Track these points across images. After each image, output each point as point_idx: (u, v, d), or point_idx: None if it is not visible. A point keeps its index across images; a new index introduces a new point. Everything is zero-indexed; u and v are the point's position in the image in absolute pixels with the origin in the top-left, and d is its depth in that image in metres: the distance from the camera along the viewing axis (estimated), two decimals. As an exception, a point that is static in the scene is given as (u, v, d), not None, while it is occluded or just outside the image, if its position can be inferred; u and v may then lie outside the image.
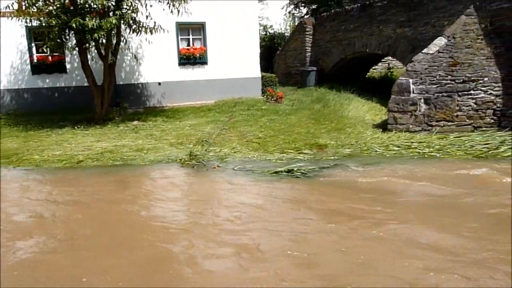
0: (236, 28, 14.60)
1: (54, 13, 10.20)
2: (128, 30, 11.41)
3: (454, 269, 3.85)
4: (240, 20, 14.61)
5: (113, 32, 11.03)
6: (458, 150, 8.57)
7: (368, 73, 17.72)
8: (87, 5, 10.37)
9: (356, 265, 3.99)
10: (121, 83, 13.63)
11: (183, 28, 14.25)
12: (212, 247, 4.48)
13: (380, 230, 4.79)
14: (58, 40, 10.72)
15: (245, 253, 4.31)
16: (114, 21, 10.14)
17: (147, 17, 10.99)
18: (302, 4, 21.15)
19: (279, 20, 22.58)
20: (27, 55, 12.82)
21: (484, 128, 9.73)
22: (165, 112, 12.79)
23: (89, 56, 11.57)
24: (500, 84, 9.71)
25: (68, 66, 13.22)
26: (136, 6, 10.84)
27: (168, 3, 11.16)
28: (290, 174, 7.30)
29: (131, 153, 8.71)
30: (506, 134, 9.08)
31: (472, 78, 9.81)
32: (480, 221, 5.07)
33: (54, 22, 10.12)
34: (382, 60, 17.26)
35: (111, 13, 10.61)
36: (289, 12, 22.12)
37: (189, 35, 14.48)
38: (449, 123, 9.96)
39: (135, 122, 11.59)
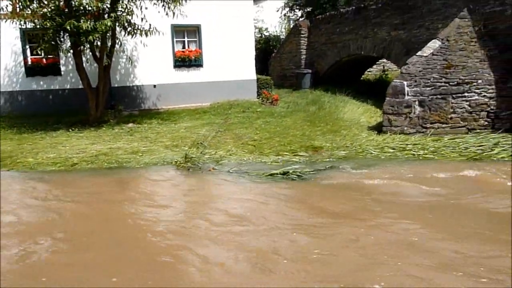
0: (231, 31, 14.62)
1: (49, 15, 10.14)
2: (123, 33, 11.38)
3: (456, 268, 3.89)
4: (235, 22, 14.63)
5: (108, 34, 11.00)
6: (452, 152, 8.62)
7: (363, 76, 17.78)
8: (81, 7, 10.31)
9: (358, 266, 4.02)
10: (116, 85, 13.59)
11: (178, 31, 14.25)
12: (210, 248, 4.48)
13: (378, 231, 4.82)
14: (53, 42, 10.68)
15: (242, 254, 4.32)
16: (109, 24, 10.12)
17: (142, 19, 10.99)
18: (297, 7, 21.17)
19: (274, 22, 22.59)
20: (21, 57, 12.74)
21: (478, 130, 9.80)
22: (160, 115, 12.77)
23: (84, 59, 11.52)
24: (493, 87, 9.79)
25: (62, 68, 13.17)
26: (131, 9, 10.83)
27: (163, 5, 11.15)
28: (286, 176, 7.31)
29: (126, 156, 8.67)
30: (500, 136, 9.15)
31: (466, 80, 9.88)
32: (482, 222, 5.11)
33: (48, 24, 10.07)
34: (377, 62, 17.33)
35: (106, 15, 10.59)
36: (284, 15, 22.14)
37: (184, 38, 14.48)
38: (444, 125, 10.02)
39: (130, 125, 11.56)
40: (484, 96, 9.83)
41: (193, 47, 14.58)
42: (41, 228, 5.18)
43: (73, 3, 10.28)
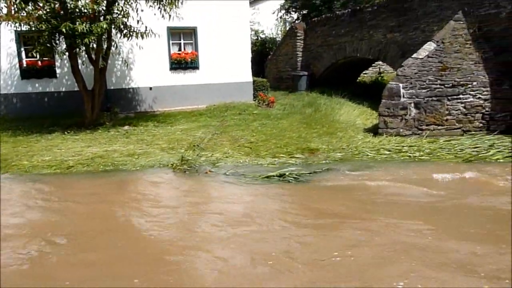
0: (227, 33, 14.63)
1: (44, 17, 10.12)
2: (119, 35, 11.37)
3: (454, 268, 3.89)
4: (231, 25, 14.65)
5: (103, 36, 10.98)
6: (448, 153, 8.65)
7: (359, 78, 17.83)
8: (77, 10, 10.31)
9: (357, 267, 4.02)
10: (112, 87, 13.56)
11: (175, 33, 14.24)
12: (206, 251, 4.48)
13: (376, 233, 4.82)
14: (48, 45, 10.66)
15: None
16: (104, 26, 10.10)
17: (138, 21, 10.97)
18: (293, 9, 21.22)
19: (270, 25, 22.64)
20: (17, 60, 12.70)
21: (473, 132, 9.84)
22: (156, 117, 12.75)
23: (79, 61, 11.50)
24: (488, 89, 9.83)
25: (58, 70, 13.12)
26: (127, 11, 10.83)
27: (159, 7, 11.15)
28: (282, 178, 7.31)
29: (122, 158, 8.65)
30: (495, 138, 9.19)
31: (461, 82, 9.93)
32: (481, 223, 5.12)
33: (44, 27, 10.05)
34: (373, 64, 17.38)
35: (101, 18, 10.57)
36: (280, 17, 22.19)
37: (180, 40, 14.48)
38: (439, 127, 10.06)
39: (126, 127, 11.53)
40: (479, 98, 9.88)
41: (189, 49, 14.58)
42: (42, 229, 5.20)
43: (68, 5, 10.27)
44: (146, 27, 11.18)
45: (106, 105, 12.89)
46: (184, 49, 14.56)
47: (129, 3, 10.94)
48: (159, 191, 7.02)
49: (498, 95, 9.78)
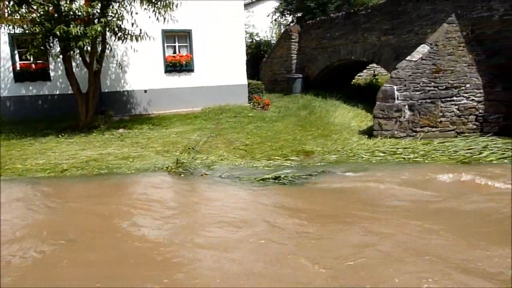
0: (222, 36, 14.63)
1: (38, 20, 10.07)
2: (113, 38, 11.33)
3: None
4: (226, 27, 14.66)
5: (98, 39, 10.94)
6: (442, 155, 8.70)
7: (353, 80, 17.90)
8: (71, 12, 10.26)
9: (351, 269, 4.03)
10: (106, 90, 13.51)
11: (169, 36, 14.22)
12: (201, 255, 4.47)
13: (372, 235, 4.84)
14: (42, 48, 10.60)
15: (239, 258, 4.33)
16: (99, 29, 10.07)
17: (132, 24, 10.95)
18: (288, 12, 21.29)
19: (265, 27, 22.68)
20: (10, 63, 12.60)
21: (467, 134, 9.91)
22: (151, 120, 12.71)
23: (73, 64, 11.45)
24: (481, 91, 9.92)
25: (52, 73, 13.05)
26: (121, 14, 10.80)
27: (154, 10, 11.13)
28: (277, 181, 7.31)
29: (117, 162, 8.61)
30: (488, 140, 9.26)
31: (455, 84, 10.00)
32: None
33: (37, 30, 9.99)
34: (367, 67, 17.47)
35: (96, 21, 10.54)
36: (275, 20, 22.24)
37: (175, 43, 14.46)
38: (433, 129, 10.12)
39: (121, 130, 11.48)
40: (473, 100, 9.95)
41: (184, 52, 14.56)
42: (41, 230, 5.25)
43: (62, 8, 10.22)
44: (140, 29, 11.15)
45: (100, 108, 12.84)
46: (179, 51, 14.54)
47: (124, 6, 10.92)
48: (155, 194, 6.98)
49: (491, 97, 9.87)
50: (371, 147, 9.46)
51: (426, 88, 10.10)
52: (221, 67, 14.74)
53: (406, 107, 10.19)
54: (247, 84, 15.27)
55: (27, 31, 10.65)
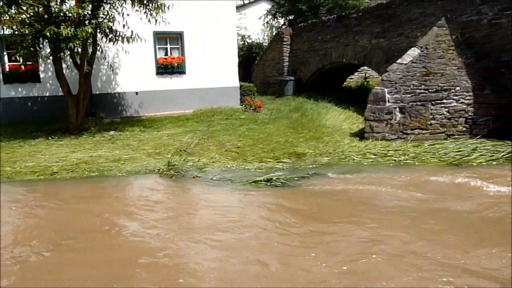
0: (214, 38, 14.63)
1: (28, 21, 9.96)
2: (104, 39, 11.27)
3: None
4: (218, 29, 14.67)
5: (89, 41, 10.87)
6: (432, 157, 8.78)
7: (345, 83, 17.99)
8: (62, 14, 10.18)
9: (344, 273, 4.05)
10: (97, 92, 13.42)
11: (161, 38, 14.19)
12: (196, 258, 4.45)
13: (375, 236, 4.89)
14: (32, 49, 10.48)
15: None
16: (89, 30, 10.01)
17: (124, 26, 10.90)
18: (280, 15, 21.36)
19: (257, 30, 22.74)
20: (-1, 64, 12.49)
21: (457, 136, 10.01)
22: (143, 122, 12.65)
23: (64, 65, 11.35)
24: (471, 93, 10.03)
25: (42, 75, 12.94)
26: (112, 15, 10.74)
27: (145, 12, 11.09)
28: (269, 183, 7.31)
29: (108, 164, 8.55)
30: (478, 142, 9.36)
31: (445, 87, 10.10)
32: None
33: (27, 31, 9.88)
34: (359, 69, 17.57)
35: (86, 22, 10.47)
36: (267, 22, 22.30)
37: (167, 45, 14.43)
38: (424, 131, 10.21)
39: (112, 132, 11.41)
40: (462, 102, 10.06)
41: (175, 54, 14.54)
42: (40, 231, 5.27)
43: (53, 9, 10.14)
44: (132, 31, 11.11)
45: (91, 110, 12.74)
46: (171, 53, 14.51)
47: (115, 7, 10.86)
48: (145, 196, 6.94)
49: (480, 100, 9.98)
50: (362, 149, 9.51)
51: (417, 90, 10.19)
52: (213, 69, 14.73)
53: (397, 109, 10.26)
54: (239, 86, 15.29)
55: (16, 32, 10.53)
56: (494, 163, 8.21)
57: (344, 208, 6.10)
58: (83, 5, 10.16)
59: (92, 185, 7.48)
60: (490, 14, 9.74)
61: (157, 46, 14.12)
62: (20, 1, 9.72)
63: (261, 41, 22.24)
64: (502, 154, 8.51)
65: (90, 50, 11.22)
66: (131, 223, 5.55)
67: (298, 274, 4.03)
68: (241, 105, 14.78)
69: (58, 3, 10.15)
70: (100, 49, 11.62)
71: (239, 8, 23.27)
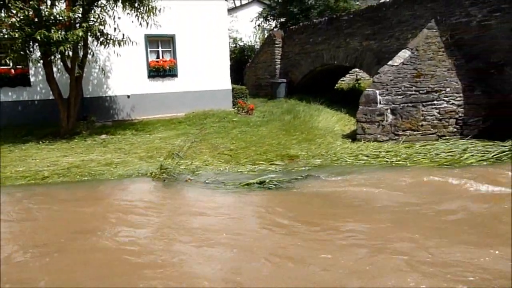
0: (206, 41, 14.63)
1: (18, 25, 9.87)
2: (95, 43, 11.21)
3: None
4: (210, 32, 14.66)
5: (79, 44, 10.81)
6: (424, 158, 8.84)
7: (336, 85, 18.07)
8: (52, 17, 10.10)
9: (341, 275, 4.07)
10: (88, 96, 13.33)
11: (152, 41, 14.15)
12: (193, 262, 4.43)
13: (375, 237, 4.91)
14: (22, 52, 10.39)
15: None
16: (80, 34, 9.94)
17: (115, 29, 10.85)
18: (271, 17, 21.40)
19: (249, 32, 22.77)
20: (-12, 68, 12.36)
21: (448, 137, 10.10)
22: (135, 125, 12.58)
23: (54, 69, 11.27)
24: (461, 94, 10.13)
25: (32, 79, 12.82)
26: (103, 18, 10.69)
27: (136, 15, 11.05)
28: (262, 185, 7.31)
29: (100, 168, 8.49)
30: (468, 142, 9.45)
31: (435, 88, 10.20)
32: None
33: (17, 35, 9.80)
34: (350, 71, 17.64)
35: (77, 25, 10.41)
36: (259, 25, 22.33)
37: (158, 48, 14.39)
38: (415, 132, 10.28)
39: (103, 136, 11.33)
40: (453, 103, 10.16)
41: (167, 57, 14.50)
42: (39, 233, 5.29)
43: (43, 12, 10.06)
44: (123, 34, 11.06)
45: (82, 114, 12.64)
46: (163, 56, 14.47)
47: (106, 10, 10.82)
48: (138, 200, 6.91)
49: (470, 101, 10.09)
50: (354, 151, 9.55)
51: (408, 92, 10.27)
52: (205, 72, 14.72)
53: (389, 111, 10.33)
54: (231, 89, 15.29)
55: (6, 36, 10.44)
56: (485, 163, 8.29)
57: (337, 209, 6.11)
58: (73, 9, 10.10)
59: (84, 188, 7.43)
60: (479, 16, 9.86)
61: (148, 49, 14.08)
62: (10, 5, 9.63)
63: (253, 44, 22.27)
64: (493, 154, 8.59)
65: (81, 54, 11.15)
66: (121, 227, 5.52)
67: (289, 275, 4.04)
68: (234, 108, 14.78)
69: (49, 7, 10.07)
70: (91, 53, 11.56)
71: (230, 10, 23.31)
